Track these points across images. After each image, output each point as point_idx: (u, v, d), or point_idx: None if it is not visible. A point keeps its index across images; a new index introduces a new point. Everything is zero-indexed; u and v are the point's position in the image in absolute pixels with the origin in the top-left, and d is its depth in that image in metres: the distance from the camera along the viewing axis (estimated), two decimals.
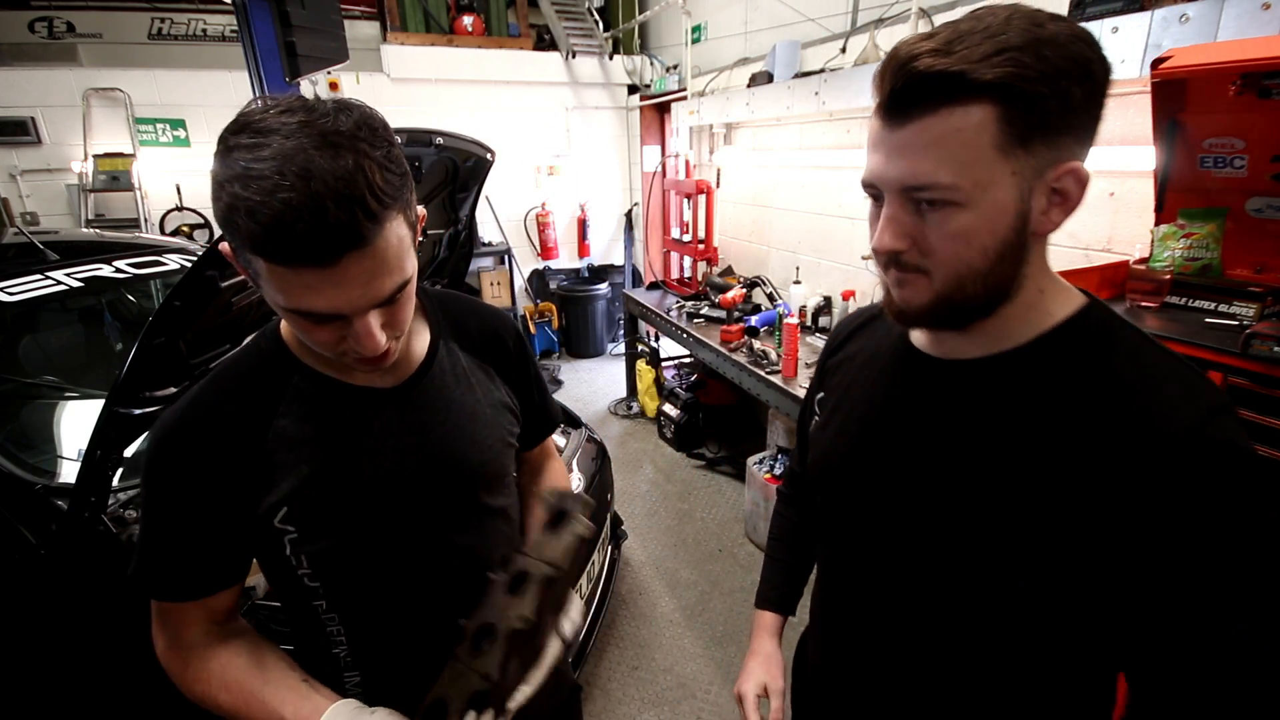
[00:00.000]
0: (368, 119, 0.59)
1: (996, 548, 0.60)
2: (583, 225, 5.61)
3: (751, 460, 2.93)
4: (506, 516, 0.90)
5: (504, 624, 0.67)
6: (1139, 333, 0.60)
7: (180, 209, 4.33)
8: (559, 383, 5.03)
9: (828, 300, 3.00)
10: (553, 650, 0.75)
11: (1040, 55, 0.48)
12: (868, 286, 2.91)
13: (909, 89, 0.52)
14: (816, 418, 0.84)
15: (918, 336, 0.69)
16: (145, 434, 1.22)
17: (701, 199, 3.76)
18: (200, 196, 4.38)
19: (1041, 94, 0.49)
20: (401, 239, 0.62)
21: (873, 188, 0.59)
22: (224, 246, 0.64)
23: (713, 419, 3.84)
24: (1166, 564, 0.53)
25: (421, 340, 0.83)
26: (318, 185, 0.53)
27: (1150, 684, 0.56)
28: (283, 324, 0.77)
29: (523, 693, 0.70)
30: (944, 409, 0.65)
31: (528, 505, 1.00)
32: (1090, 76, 0.50)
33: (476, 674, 0.66)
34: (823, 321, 2.99)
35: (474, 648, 0.68)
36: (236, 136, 0.56)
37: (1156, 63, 1.32)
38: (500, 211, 5.27)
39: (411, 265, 0.65)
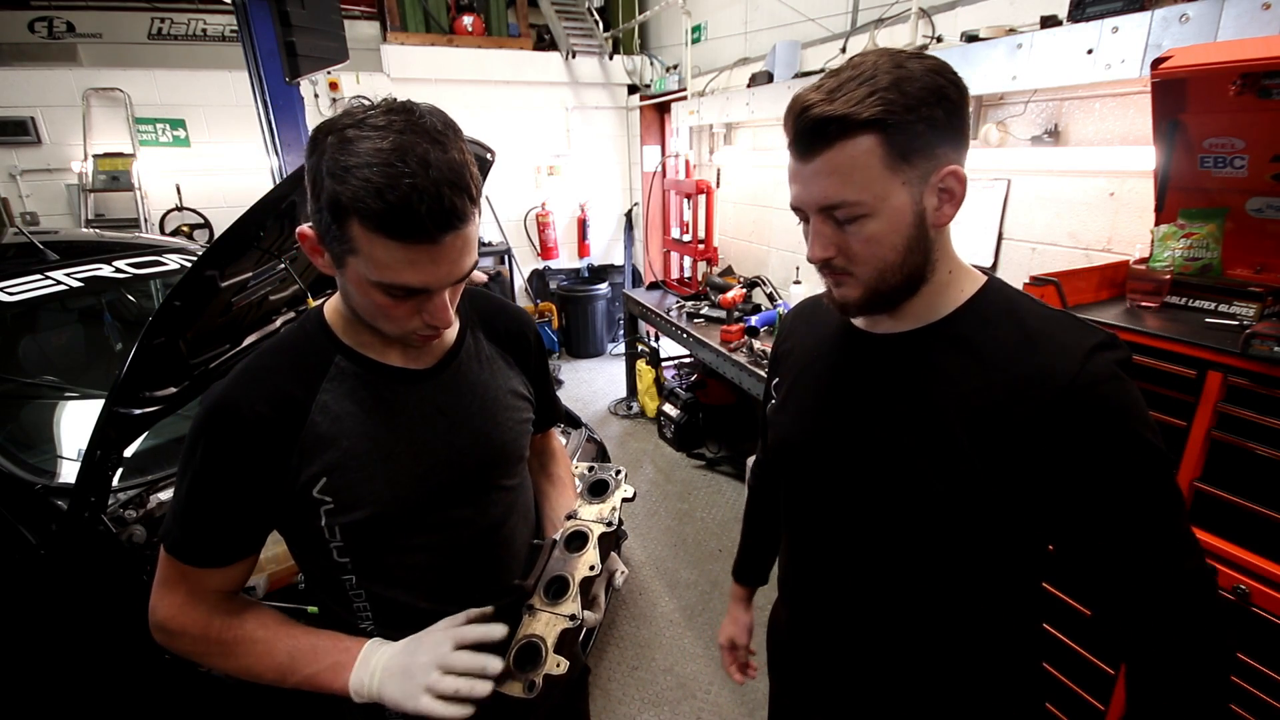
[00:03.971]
0: (451, 124, 0.68)
1: (930, 494, 0.71)
2: (583, 225, 5.61)
3: (751, 460, 2.93)
4: (519, 496, 0.95)
5: (577, 573, 0.79)
6: (1031, 299, 0.73)
7: (180, 209, 4.33)
8: (559, 382, 5.03)
9: None
10: (602, 595, 0.87)
11: (903, 91, 0.61)
12: None
13: (808, 132, 0.64)
14: (773, 400, 0.94)
15: (857, 319, 0.81)
16: (144, 434, 1.22)
17: (701, 199, 3.76)
18: (200, 196, 4.38)
19: (909, 120, 0.62)
20: (477, 225, 0.71)
21: (800, 210, 0.71)
22: (304, 229, 0.71)
23: (713, 419, 3.83)
24: (1076, 495, 0.66)
25: (451, 328, 0.88)
26: (435, 173, 0.62)
27: (1097, 597, 0.70)
28: (327, 308, 0.83)
29: (593, 618, 0.82)
30: (883, 376, 0.76)
31: (539, 488, 1.08)
32: (946, 99, 0.63)
33: (562, 616, 0.77)
34: None
35: (548, 597, 0.78)
36: (354, 130, 0.63)
37: (1156, 63, 1.32)
38: (500, 211, 5.27)
39: None
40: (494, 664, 0.73)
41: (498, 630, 0.76)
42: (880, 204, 0.65)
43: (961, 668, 0.79)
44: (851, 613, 0.83)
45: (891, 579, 0.78)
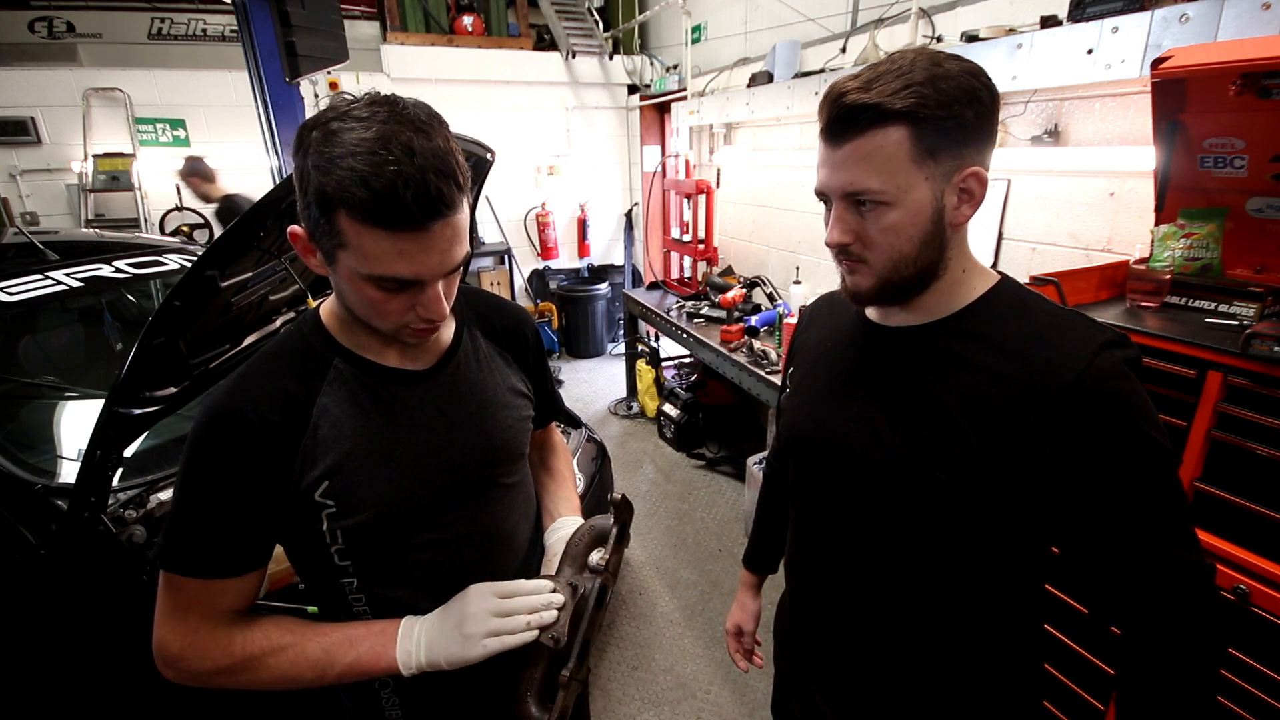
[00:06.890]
0: (436, 115, 0.68)
1: (933, 484, 0.72)
2: (583, 225, 5.61)
3: (751, 460, 2.93)
4: (519, 493, 0.96)
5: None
6: (1042, 299, 0.75)
7: (180, 209, 4.33)
8: (559, 382, 5.03)
9: None
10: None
11: (938, 88, 0.63)
12: None
13: (842, 118, 0.66)
14: (787, 389, 0.96)
15: (871, 312, 0.84)
16: (144, 434, 1.22)
17: (701, 199, 3.76)
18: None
19: (940, 117, 0.64)
20: (467, 215, 0.70)
21: (823, 195, 0.73)
22: (294, 229, 0.71)
23: (713, 419, 3.83)
24: (1079, 488, 0.67)
25: (449, 328, 0.89)
26: (420, 160, 0.62)
27: (1096, 589, 0.72)
28: (323, 311, 0.82)
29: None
30: (892, 367, 0.78)
31: (539, 482, 1.09)
32: (979, 101, 0.65)
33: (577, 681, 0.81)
34: None
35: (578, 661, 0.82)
36: (337, 123, 0.63)
37: (1156, 63, 1.32)
38: (500, 211, 5.27)
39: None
40: (556, 598, 0.78)
41: (543, 588, 0.80)
42: (902, 195, 0.67)
43: (959, 659, 0.80)
44: (852, 600, 0.85)
45: (893, 567, 0.80)
